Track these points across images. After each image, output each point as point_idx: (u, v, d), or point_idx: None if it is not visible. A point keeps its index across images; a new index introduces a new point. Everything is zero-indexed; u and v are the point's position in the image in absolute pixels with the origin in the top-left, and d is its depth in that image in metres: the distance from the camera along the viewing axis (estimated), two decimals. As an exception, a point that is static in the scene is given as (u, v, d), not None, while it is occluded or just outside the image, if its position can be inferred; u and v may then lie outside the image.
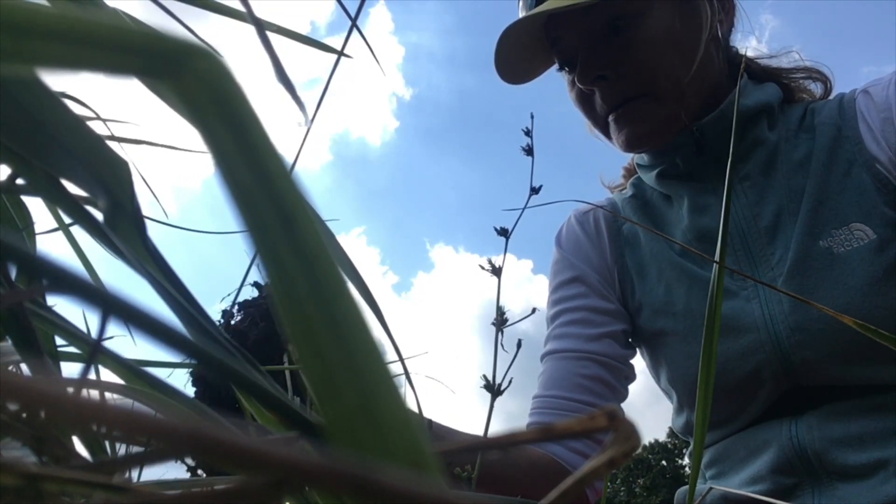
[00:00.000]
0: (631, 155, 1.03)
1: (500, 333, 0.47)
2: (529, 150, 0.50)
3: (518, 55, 0.89)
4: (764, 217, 0.83)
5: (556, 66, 0.92)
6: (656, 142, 0.87)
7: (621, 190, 1.03)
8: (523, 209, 0.48)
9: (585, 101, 0.89)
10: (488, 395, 0.45)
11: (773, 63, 0.95)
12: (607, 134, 0.90)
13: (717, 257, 0.33)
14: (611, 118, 0.87)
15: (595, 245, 0.97)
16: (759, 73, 0.93)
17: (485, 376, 0.45)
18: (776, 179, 0.84)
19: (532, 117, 0.52)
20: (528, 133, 0.50)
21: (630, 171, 1.06)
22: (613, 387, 0.90)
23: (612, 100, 0.85)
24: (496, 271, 0.47)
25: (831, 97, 0.92)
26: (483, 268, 0.47)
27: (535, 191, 0.50)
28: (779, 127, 0.87)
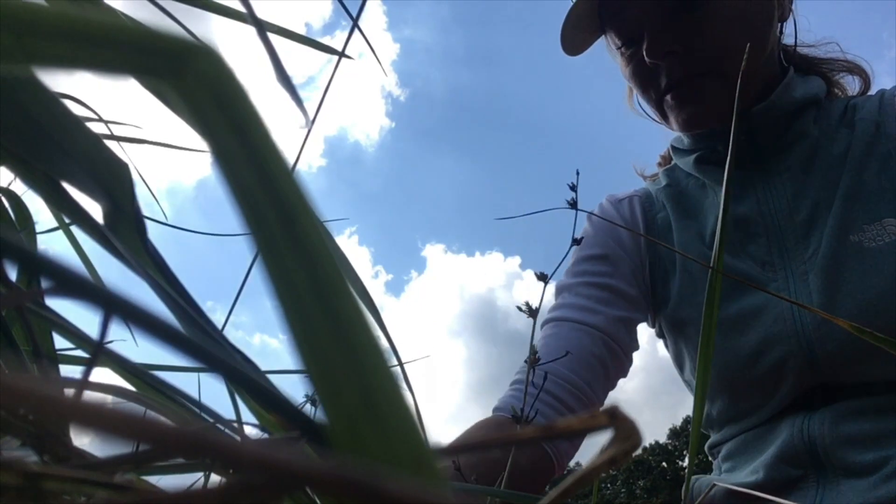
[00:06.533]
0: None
1: (532, 371, 0.51)
2: (573, 204, 0.51)
3: (573, 26, 0.87)
4: (801, 210, 0.82)
5: (601, 40, 0.89)
6: (714, 123, 0.86)
7: (654, 179, 1.02)
8: (560, 263, 0.49)
9: (646, 76, 0.87)
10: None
11: (813, 53, 0.93)
12: (661, 111, 0.88)
13: (712, 263, 0.33)
14: (670, 95, 0.85)
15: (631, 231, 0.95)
16: (801, 63, 0.91)
17: (513, 407, 0.51)
18: (815, 174, 0.83)
19: (578, 174, 0.52)
20: (573, 188, 0.52)
21: (666, 160, 1.04)
22: (611, 376, 0.88)
23: (678, 75, 0.83)
24: (532, 313, 0.50)
25: (873, 93, 0.91)
26: (521, 309, 0.51)
27: (576, 242, 0.52)
28: (821, 121, 0.86)
